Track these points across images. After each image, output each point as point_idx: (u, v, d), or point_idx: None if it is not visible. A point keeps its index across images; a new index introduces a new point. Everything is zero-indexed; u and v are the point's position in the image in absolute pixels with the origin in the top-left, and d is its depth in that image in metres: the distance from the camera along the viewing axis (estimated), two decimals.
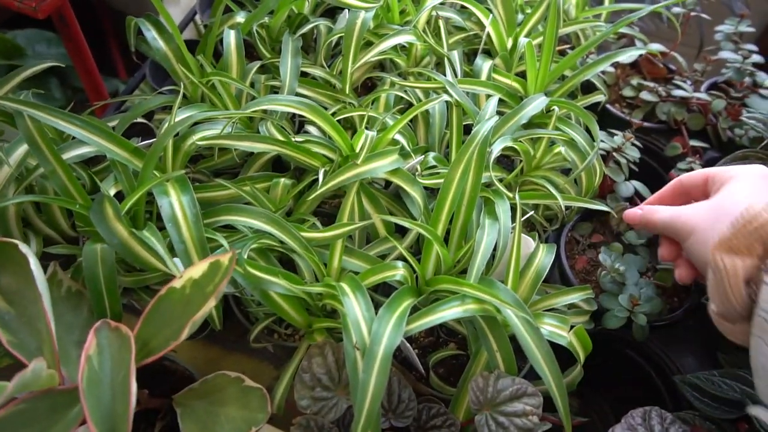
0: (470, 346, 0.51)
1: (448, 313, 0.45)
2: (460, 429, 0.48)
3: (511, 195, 0.53)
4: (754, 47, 0.80)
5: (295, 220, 0.53)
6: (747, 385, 0.50)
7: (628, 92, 0.79)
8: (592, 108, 0.76)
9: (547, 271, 0.53)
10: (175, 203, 0.45)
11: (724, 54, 0.79)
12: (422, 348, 0.56)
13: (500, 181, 0.58)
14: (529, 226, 0.63)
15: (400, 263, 0.50)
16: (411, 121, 0.64)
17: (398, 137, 0.57)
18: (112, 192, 0.51)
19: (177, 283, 0.39)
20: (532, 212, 0.56)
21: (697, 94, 0.74)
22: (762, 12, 1.17)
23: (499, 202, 0.52)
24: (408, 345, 0.49)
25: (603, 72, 0.80)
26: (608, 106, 0.77)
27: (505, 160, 0.69)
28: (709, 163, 0.71)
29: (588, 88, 0.77)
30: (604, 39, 0.71)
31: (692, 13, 0.79)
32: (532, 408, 0.46)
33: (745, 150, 0.65)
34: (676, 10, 0.79)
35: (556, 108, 0.62)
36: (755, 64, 0.78)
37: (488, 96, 0.62)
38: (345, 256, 0.51)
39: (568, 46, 0.79)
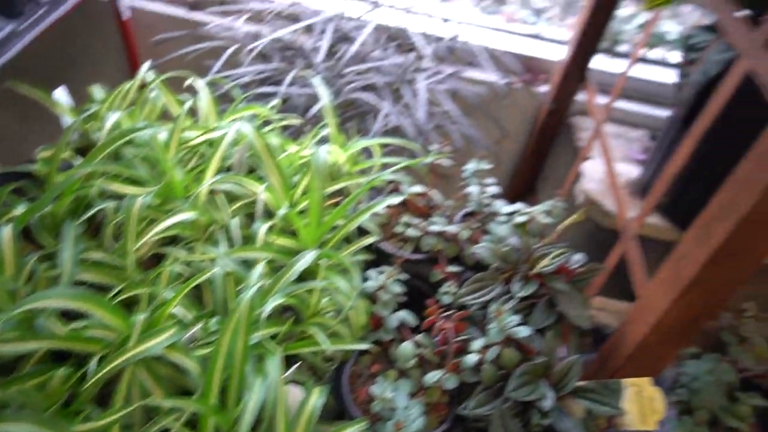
0: None
1: None
2: None
3: (279, 349, 0.61)
4: (492, 180, 1.01)
5: (73, 411, 0.55)
6: None
7: (399, 229, 0.93)
8: (370, 247, 0.89)
9: (337, 407, 0.60)
10: None
11: (470, 188, 0.99)
12: None
13: (274, 337, 0.65)
14: (313, 369, 0.71)
15: None
16: (198, 287, 0.71)
17: (178, 310, 0.63)
18: None
19: None
20: (294, 367, 0.63)
21: (448, 228, 0.90)
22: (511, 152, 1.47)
23: (270, 358, 0.59)
24: None
25: (377, 214, 0.94)
26: (383, 243, 0.91)
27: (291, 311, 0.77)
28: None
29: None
30: (372, 186, 0.87)
31: (438, 162, 0.98)
32: None
33: (483, 273, 0.81)
34: (428, 159, 0.98)
35: (323, 261, 0.72)
36: (493, 195, 0.98)
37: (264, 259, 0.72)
38: None
39: (340, 198, 0.93)
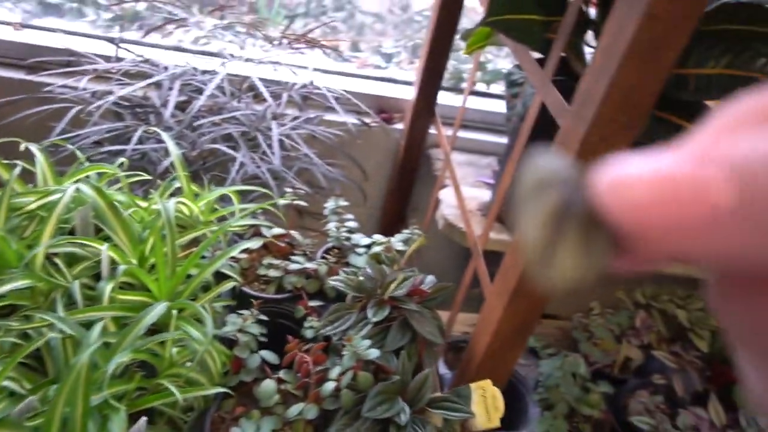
0: None
1: None
2: None
3: (122, 407, 0.60)
4: (350, 217, 1.06)
5: None
6: None
7: (262, 271, 0.95)
8: (234, 293, 0.91)
9: None
10: None
11: (330, 226, 1.04)
12: None
13: (121, 397, 0.64)
14: (172, 421, 0.70)
15: None
16: (39, 356, 0.68)
17: (10, 383, 0.60)
18: None
19: None
20: (141, 420, 0.62)
21: (308, 264, 0.94)
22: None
23: (115, 418, 0.58)
24: None
25: (237, 259, 0.96)
26: (246, 288, 0.92)
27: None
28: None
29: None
30: (236, 233, 0.88)
31: (295, 202, 1.02)
32: None
33: (339, 303, 0.85)
34: (283, 202, 1.02)
35: (174, 312, 0.72)
36: (350, 230, 1.03)
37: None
38: None
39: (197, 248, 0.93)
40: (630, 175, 0.10)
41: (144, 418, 0.61)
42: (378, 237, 1.02)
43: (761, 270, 0.10)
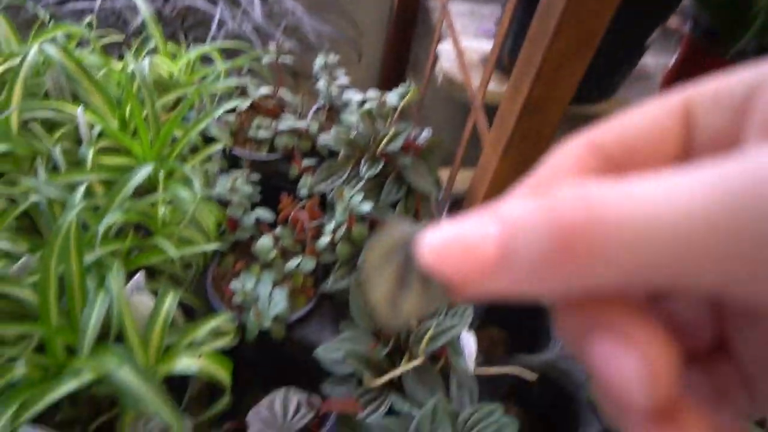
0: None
1: (63, 389, 0.50)
2: None
3: (116, 262, 0.61)
4: (341, 73, 1.01)
5: None
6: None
7: (252, 133, 0.92)
8: (225, 155, 0.88)
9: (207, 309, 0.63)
10: None
11: (320, 83, 0.98)
12: (86, 422, 0.61)
13: (113, 253, 0.65)
14: (174, 278, 0.72)
15: (20, 362, 0.54)
16: (32, 220, 0.68)
17: (4, 244, 0.60)
18: None
19: None
20: (137, 276, 0.64)
21: (298, 123, 0.90)
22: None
23: (110, 273, 0.59)
24: None
25: (226, 122, 0.92)
26: (237, 150, 0.90)
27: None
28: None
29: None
30: (222, 94, 0.84)
31: (279, 61, 0.95)
32: None
33: (331, 160, 0.83)
34: (267, 60, 0.95)
35: (161, 173, 0.71)
36: (341, 86, 0.98)
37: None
38: None
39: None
40: (434, 240, 0.13)
41: (141, 272, 0.62)
42: (371, 93, 0.97)
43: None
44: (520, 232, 0.12)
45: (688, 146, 0.14)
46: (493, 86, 1.07)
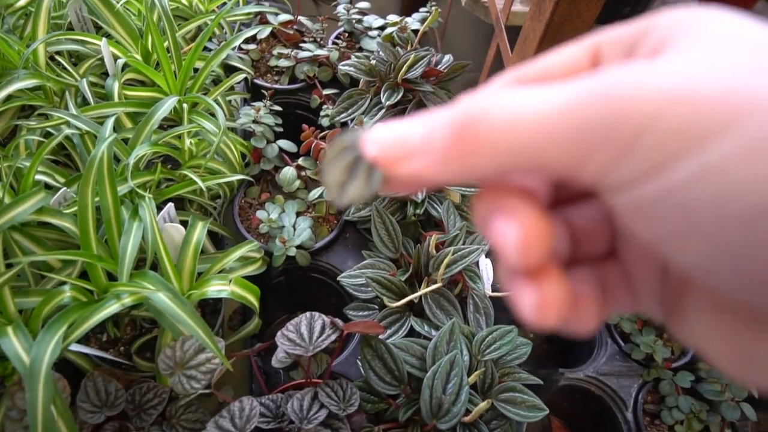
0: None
1: (106, 311, 0.55)
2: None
3: (147, 194, 0.63)
4: None
5: None
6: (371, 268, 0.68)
7: (273, 62, 0.92)
8: (248, 85, 0.89)
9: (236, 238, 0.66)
10: None
11: (340, 8, 0.96)
12: (128, 342, 0.66)
13: (145, 185, 0.68)
14: (203, 208, 0.74)
15: (67, 287, 0.58)
16: (68, 153, 0.71)
17: (41, 177, 0.64)
18: None
19: None
20: (168, 206, 0.66)
21: (318, 51, 0.89)
22: None
23: (143, 204, 0.62)
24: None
25: (247, 51, 0.92)
26: (257, 80, 0.90)
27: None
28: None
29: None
30: (243, 23, 0.83)
31: None
32: (213, 354, 0.58)
33: (352, 89, 0.82)
34: None
35: (185, 105, 0.72)
36: (361, 11, 0.95)
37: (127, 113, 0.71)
38: (19, 298, 0.58)
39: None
40: (376, 133, 0.16)
41: (171, 204, 0.65)
42: (392, 17, 0.94)
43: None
44: (436, 125, 0.15)
45: None
46: (518, 7, 1.02)
